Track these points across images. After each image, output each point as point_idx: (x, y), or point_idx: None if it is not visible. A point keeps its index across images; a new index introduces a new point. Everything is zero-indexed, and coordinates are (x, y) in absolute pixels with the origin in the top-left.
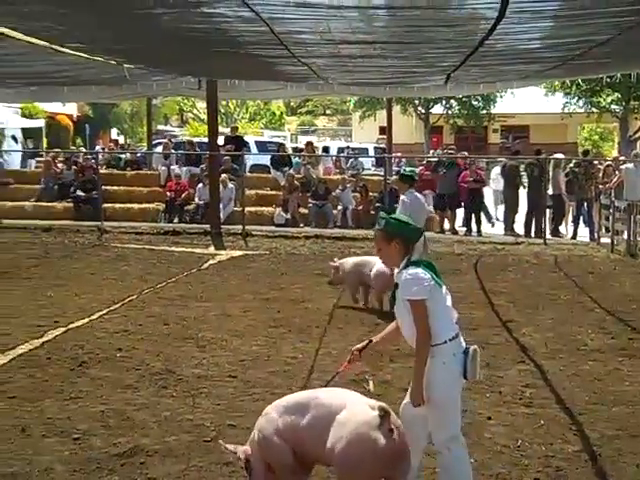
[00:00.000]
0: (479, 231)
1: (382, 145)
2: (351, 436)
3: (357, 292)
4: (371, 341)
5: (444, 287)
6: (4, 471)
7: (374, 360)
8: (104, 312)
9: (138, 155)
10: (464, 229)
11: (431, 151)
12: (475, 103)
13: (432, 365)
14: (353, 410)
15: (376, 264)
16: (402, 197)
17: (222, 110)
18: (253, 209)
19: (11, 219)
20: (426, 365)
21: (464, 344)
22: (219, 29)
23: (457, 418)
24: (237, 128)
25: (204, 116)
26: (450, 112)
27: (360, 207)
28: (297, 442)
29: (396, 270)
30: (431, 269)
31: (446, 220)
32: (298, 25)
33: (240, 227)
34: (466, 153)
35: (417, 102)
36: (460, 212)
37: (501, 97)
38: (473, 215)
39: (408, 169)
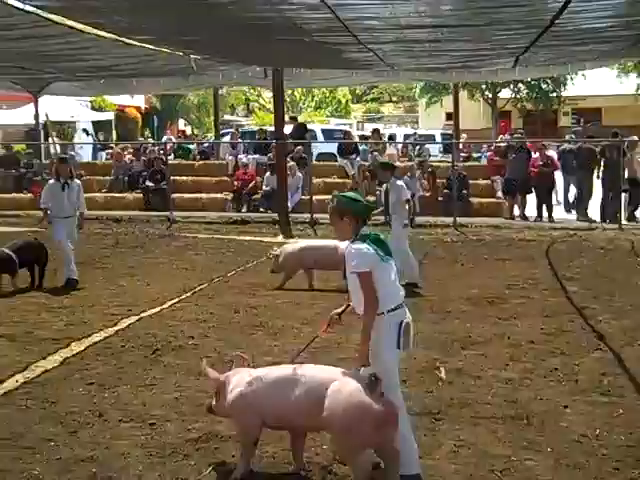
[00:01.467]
0: (550, 217)
1: (449, 131)
2: (347, 403)
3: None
4: (349, 305)
5: (390, 262)
6: (83, 455)
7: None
8: (175, 301)
9: (206, 145)
10: (534, 215)
11: (499, 136)
12: (544, 86)
13: (374, 334)
14: (345, 380)
15: (336, 246)
16: (398, 182)
17: (288, 99)
18: (321, 197)
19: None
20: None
21: (404, 318)
22: (285, 17)
23: (393, 388)
24: (296, 118)
25: (270, 105)
26: (518, 96)
27: (428, 194)
28: (276, 412)
29: (346, 243)
30: (377, 244)
31: (516, 206)
32: (364, 11)
33: (308, 215)
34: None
35: (484, 87)
36: (531, 198)
37: (572, 79)
38: (543, 200)
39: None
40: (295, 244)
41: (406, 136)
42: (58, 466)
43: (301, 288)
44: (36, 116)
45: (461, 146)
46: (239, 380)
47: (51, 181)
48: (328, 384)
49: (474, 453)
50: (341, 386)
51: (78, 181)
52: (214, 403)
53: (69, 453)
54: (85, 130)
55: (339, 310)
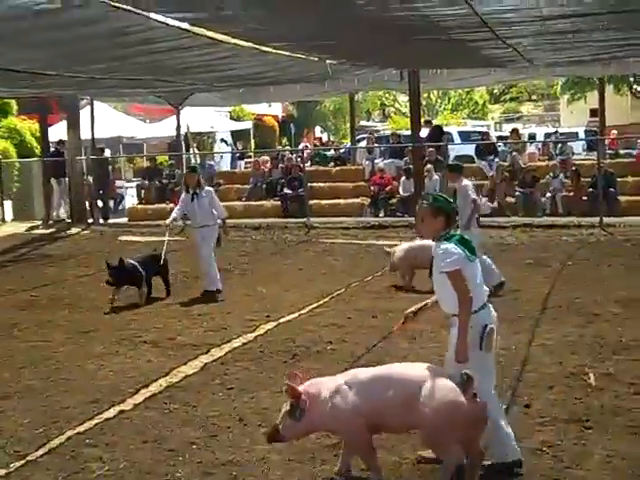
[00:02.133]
0: None
1: (594, 128)
2: (441, 403)
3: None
4: (426, 304)
5: (476, 261)
6: (224, 458)
7: None
8: (314, 306)
9: (342, 151)
10: None
11: None
12: None
13: (454, 331)
14: (438, 379)
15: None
16: (465, 183)
17: (424, 102)
18: None
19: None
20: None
21: (488, 319)
22: (421, 14)
23: (485, 383)
24: (430, 121)
25: (405, 109)
26: None
27: (571, 193)
28: (374, 414)
29: (433, 244)
30: (463, 244)
31: None
32: (503, 3)
33: None
34: None
35: (632, 79)
36: None
37: None
38: None
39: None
40: (405, 244)
41: (547, 135)
42: (200, 469)
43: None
44: (177, 128)
45: (607, 142)
46: (328, 391)
47: (183, 193)
48: (421, 383)
49: (629, 464)
50: (435, 385)
51: (209, 188)
52: (286, 423)
53: (210, 456)
54: (223, 140)
55: (414, 308)
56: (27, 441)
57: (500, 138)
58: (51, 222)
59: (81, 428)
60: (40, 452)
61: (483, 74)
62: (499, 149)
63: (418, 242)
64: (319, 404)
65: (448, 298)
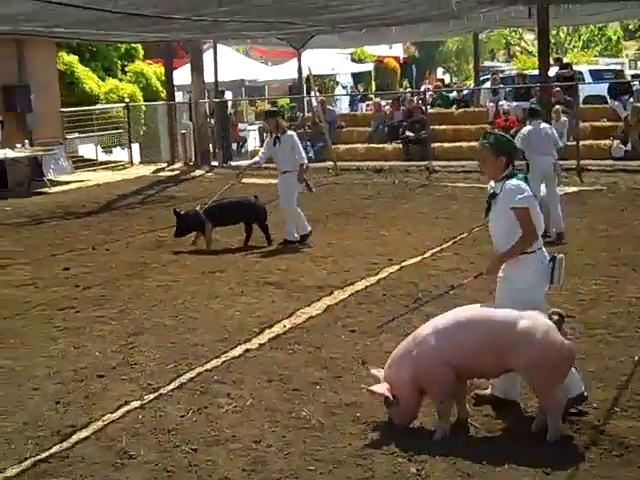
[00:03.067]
0: None
1: None
2: (544, 343)
3: None
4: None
5: (537, 202)
6: (347, 399)
7: None
8: (436, 250)
9: (465, 92)
10: None
11: None
12: None
13: (524, 271)
14: (533, 319)
15: None
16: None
17: (552, 40)
18: (588, 142)
19: (345, 161)
20: (515, 262)
21: (547, 254)
22: None
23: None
24: (560, 59)
25: (532, 48)
26: None
27: None
28: (464, 360)
29: (492, 182)
30: (527, 183)
31: None
32: None
33: (574, 162)
34: None
35: None
36: None
37: None
38: None
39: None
40: None
41: None
42: (324, 409)
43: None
44: (299, 70)
45: None
46: (408, 349)
47: (267, 137)
48: (514, 324)
49: None
50: (532, 326)
51: (291, 132)
52: (396, 413)
53: (334, 397)
54: (338, 83)
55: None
56: (158, 375)
57: (635, 77)
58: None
59: (209, 365)
60: (171, 386)
61: (618, 8)
62: (634, 88)
63: None
64: (403, 375)
65: (508, 237)
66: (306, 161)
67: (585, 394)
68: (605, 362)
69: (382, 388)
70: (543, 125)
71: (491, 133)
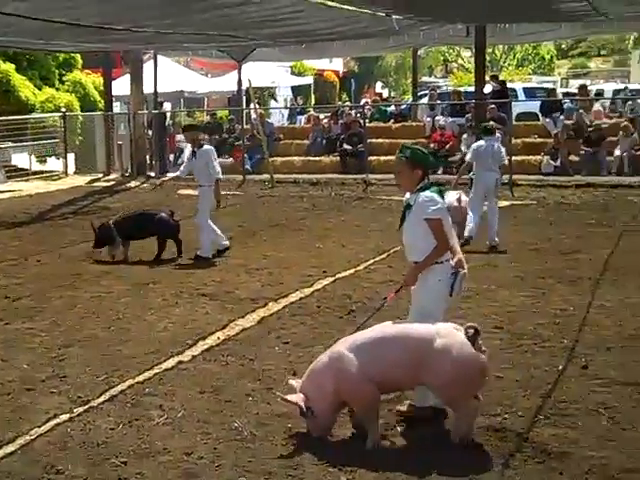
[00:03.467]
0: None
1: None
2: (458, 358)
3: None
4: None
5: (449, 215)
6: (279, 410)
7: None
8: (370, 263)
9: (403, 107)
10: None
11: None
12: None
13: (429, 280)
14: (448, 335)
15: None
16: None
17: (488, 58)
18: (520, 158)
19: (282, 174)
20: (424, 272)
21: (453, 269)
22: None
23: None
24: (497, 77)
25: (469, 65)
26: None
27: (638, 152)
28: (383, 375)
29: (408, 194)
30: (441, 195)
31: None
32: None
33: (506, 177)
34: None
35: None
36: None
37: None
38: None
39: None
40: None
41: (615, 91)
42: (256, 420)
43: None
44: (239, 82)
45: None
46: (328, 370)
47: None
48: (430, 341)
49: None
50: (448, 342)
51: (208, 147)
52: (310, 424)
53: (266, 408)
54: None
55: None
56: (89, 388)
57: (567, 95)
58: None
59: (141, 377)
60: (101, 399)
61: (552, 28)
62: (565, 106)
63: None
64: (323, 389)
65: (419, 246)
66: (220, 176)
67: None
68: (531, 371)
69: (297, 398)
70: (495, 143)
71: (407, 147)
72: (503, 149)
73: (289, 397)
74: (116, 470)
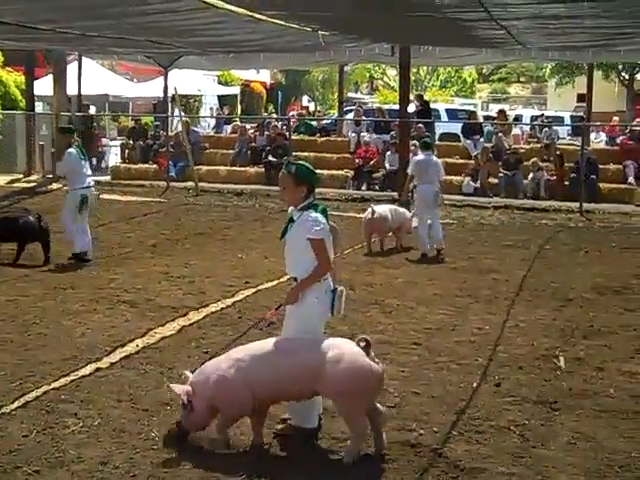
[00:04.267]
0: None
1: (580, 113)
2: (352, 368)
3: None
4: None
5: (331, 236)
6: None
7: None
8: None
9: (329, 122)
10: None
11: (636, 119)
12: None
13: (306, 298)
14: (341, 346)
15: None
16: (413, 157)
17: (413, 77)
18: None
19: (207, 182)
20: (304, 291)
21: (332, 285)
22: None
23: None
24: (422, 96)
25: (394, 83)
26: None
27: (554, 177)
28: (272, 387)
29: (292, 207)
30: (325, 215)
31: None
32: None
33: None
34: None
35: (620, 67)
36: None
37: None
38: None
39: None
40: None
41: (533, 117)
42: (173, 430)
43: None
44: (165, 89)
45: (606, 129)
46: (215, 369)
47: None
48: (323, 352)
49: (593, 446)
50: (341, 353)
51: (70, 150)
52: (186, 417)
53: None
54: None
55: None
56: (2, 394)
57: (486, 118)
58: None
59: (57, 384)
60: (15, 405)
61: (474, 53)
62: (485, 129)
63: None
64: (207, 389)
65: (298, 262)
66: (60, 174)
67: (316, 430)
68: (446, 388)
69: (182, 390)
70: (433, 157)
71: (293, 163)
72: (441, 163)
73: (176, 387)
74: (27, 479)
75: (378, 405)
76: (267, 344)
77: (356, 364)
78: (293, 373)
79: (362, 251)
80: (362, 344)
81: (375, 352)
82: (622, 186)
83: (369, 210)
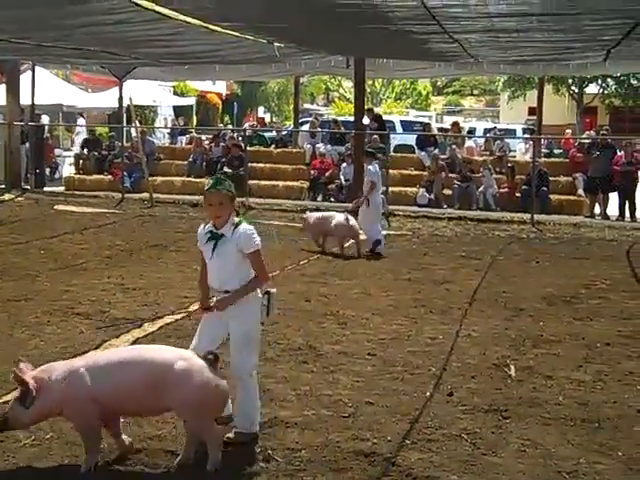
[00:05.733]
0: (633, 216)
1: (531, 126)
2: (198, 383)
3: (319, 240)
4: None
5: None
6: (152, 433)
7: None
8: None
9: (284, 133)
10: (616, 214)
11: (585, 132)
12: (634, 82)
13: (249, 304)
14: (189, 360)
15: (336, 217)
16: (369, 167)
17: (368, 89)
18: (397, 189)
19: (162, 193)
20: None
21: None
22: (371, 4)
23: (254, 355)
24: (372, 110)
25: (350, 95)
26: (606, 92)
27: (506, 189)
28: (119, 399)
29: (210, 224)
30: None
31: (597, 204)
32: None
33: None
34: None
35: (570, 81)
36: (613, 196)
37: None
38: (627, 200)
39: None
40: (316, 213)
41: (486, 130)
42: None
43: (374, 278)
44: (120, 100)
45: (562, 142)
46: (61, 376)
47: None
48: (171, 365)
49: (542, 454)
50: (188, 367)
51: None
52: (18, 410)
53: (138, 430)
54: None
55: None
56: None
57: (441, 130)
58: None
59: (8, 397)
60: None
61: (428, 66)
62: (439, 141)
63: (327, 213)
64: (50, 389)
65: (233, 275)
66: None
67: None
68: (400, 397)
69: (30, 379)
70: (378, 166)
71: (225, 180)
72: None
73: (26, 375)
74: None
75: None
76: (116, 355)
77: (202, 380)
78: (138, 386)
79: (317, 262)
80: (210, 357)
81: (330, 363)
82: (572, 197)
83: (344, 217)
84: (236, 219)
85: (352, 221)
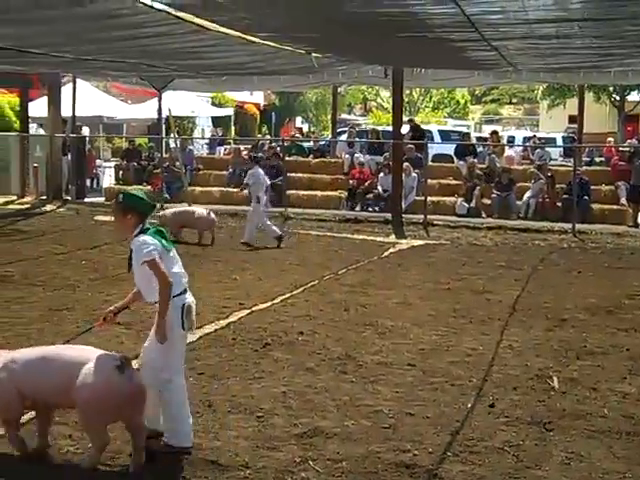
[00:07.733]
0: None
1: (571, 134)
2: (98, 381)
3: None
4: (127, 301)
5: (173, 251)
6: (194, 443)
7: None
8: (287, 296)
9: (322, 143)
10: None
11: (627, 141)
12: None
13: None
14: (98, 360)
15: (197, 211)
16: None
17: (406, 99)
18: (435, 199)
19: (201, 204)
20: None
21: (187, 300)
22: (409, 12)
23: (177, 362)
24: (412, 120)
25: (387, 105)
26: None
27: (546, 198)
28: (38, 393)
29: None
30: (160, 235)
31: None
32: (491, 5)
33: (422, 216)
34: None
35: (611, 89)
36: None
37: None
38: None
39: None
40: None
41: (525, 138)
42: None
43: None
44: (159, 111)
45: (604, 150)
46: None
47: None
48: (83, 364)
49: (587, 467)
50: (94, 367)
51: None
52: None
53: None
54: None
55: (113, 308)
56: None
57: (479, 139)
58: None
59: None
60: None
61: (466, 75)
62: (478, 150)
63: (183, 207)
64: None
65: (150, 288)
66: None
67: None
68: (441, 408)
69: None
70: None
71: (122, 192)
72: None
73: None
74: None
75: (143, 422)
76: (40, 351)
77: (101, 381)
78: (52, 382)
79: (355, 272)
80: (121, 361)
81: (370, 373)
82: (614, 207)
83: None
84: (148, 230)
85: (212, 215)
